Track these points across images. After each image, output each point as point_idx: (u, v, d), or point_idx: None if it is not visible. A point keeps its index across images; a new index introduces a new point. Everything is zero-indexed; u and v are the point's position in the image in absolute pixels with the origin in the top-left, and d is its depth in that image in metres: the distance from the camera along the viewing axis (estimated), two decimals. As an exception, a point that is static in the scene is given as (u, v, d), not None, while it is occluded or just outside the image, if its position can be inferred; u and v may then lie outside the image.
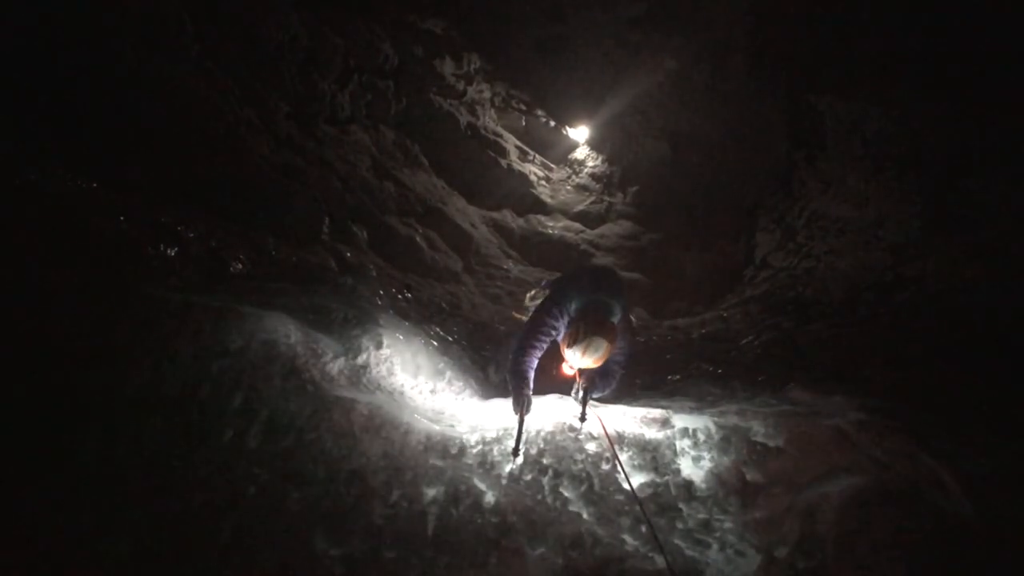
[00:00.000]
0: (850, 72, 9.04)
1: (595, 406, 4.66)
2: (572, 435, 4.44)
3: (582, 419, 4.43)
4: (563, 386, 4.96)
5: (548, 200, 12.53)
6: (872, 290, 7.24)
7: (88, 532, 3.11)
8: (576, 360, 4.25)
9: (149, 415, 3.72)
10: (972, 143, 7.41)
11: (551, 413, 4.67)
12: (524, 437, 4.10)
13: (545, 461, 4.24)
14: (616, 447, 4.27)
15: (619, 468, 4.05)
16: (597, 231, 12.02)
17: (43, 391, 3.58)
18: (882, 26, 8.59)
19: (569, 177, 13.54)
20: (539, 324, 4.45)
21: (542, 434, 4.43)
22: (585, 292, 4.49)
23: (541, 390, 4.74)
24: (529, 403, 4.29)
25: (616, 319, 4.46)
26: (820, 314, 7.26)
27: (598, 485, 4.06)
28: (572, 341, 4.20)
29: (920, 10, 8.03)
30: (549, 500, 3.95)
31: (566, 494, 4.02)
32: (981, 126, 7.39)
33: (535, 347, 4.43)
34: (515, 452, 4.00)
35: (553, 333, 4.47)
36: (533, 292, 5.75)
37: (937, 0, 7.91)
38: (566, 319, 4.45)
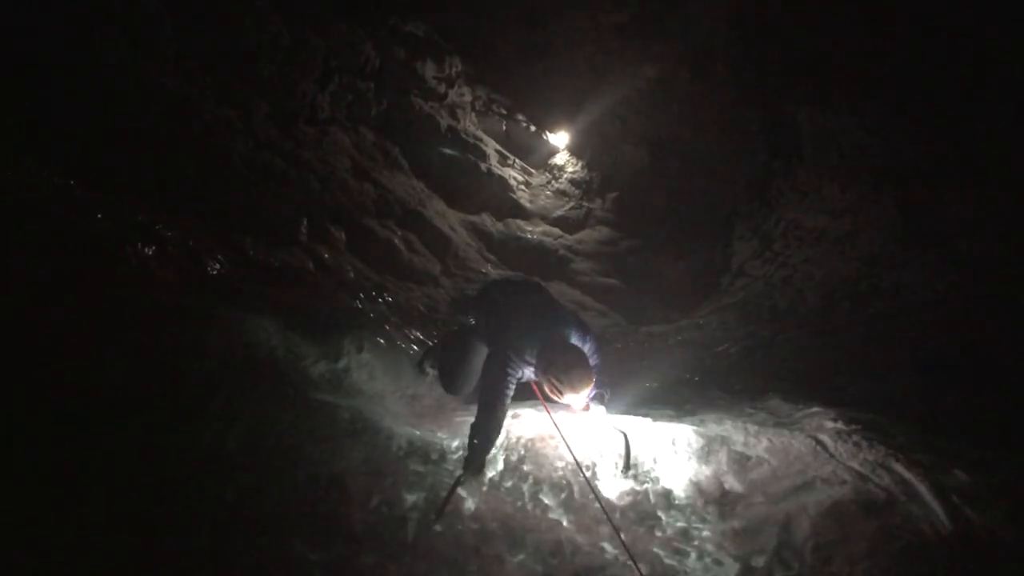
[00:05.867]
0: (828, 83, 9.16)
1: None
2: (552, 442, 4.44)
3: (626, 468, 4.29)
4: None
5: (527, 205, 12.52)
6: (848, 300, 7.32)
7: (61, 538, 3.05)
8: (572, 399, 4.00)
9: (126, 417, 3.66)
10: (947, 155, 7.53)
11: (531, 421, 4.67)
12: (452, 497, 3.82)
13: (525, 468, 4.24)
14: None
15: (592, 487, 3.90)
16: (575, 236, 12.03)
17: (14, 393, 3.51)
18: (859, 38, 8.71)
19: (548, 182, 13.54)
20: (499, 388, 4.11)
21: (522, 441, 4.43)
22: (533, 335, 4.16)
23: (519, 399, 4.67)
24: (480, 467, 4.06)
25: (578, 341, 4.22)
26: (796, 323, 7.32)
27: (578, 493, 4.06)
28: (555, 389, 3.97)
29: (897, 23, 8.15)
30: (529, 507, 3.95)
31: (546, 501, 4.02)
32: (956, 138, 7.51)
33: (504, 405, 4.16)
34: (439, 514, 3.71)
35: (514, 384, 4.19)
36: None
37: (913, 13, 8.03)
38: (526, 367, 4.16)
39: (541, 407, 4.62)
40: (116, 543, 3.08)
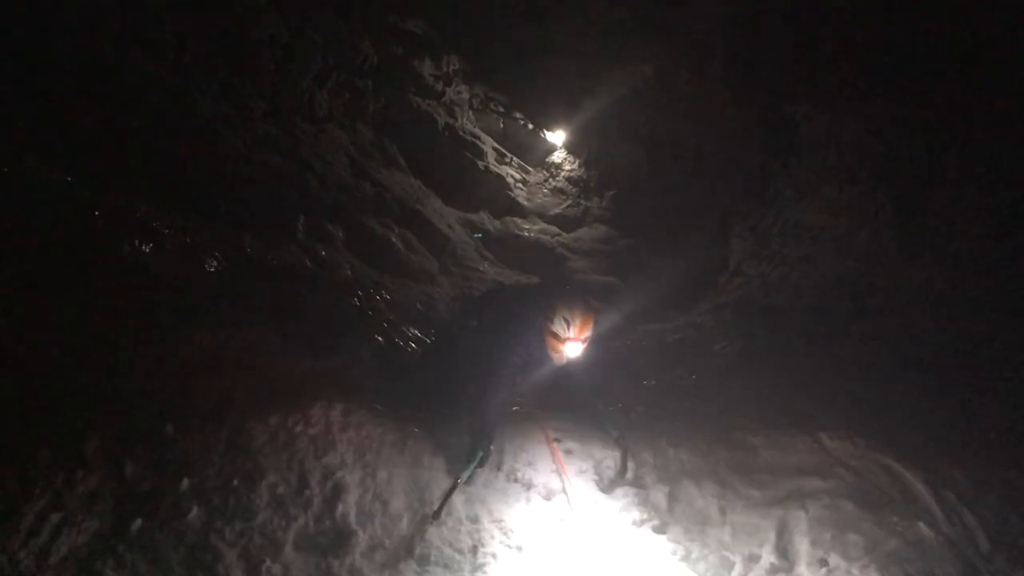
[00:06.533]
0: (827, 83, 9.14)
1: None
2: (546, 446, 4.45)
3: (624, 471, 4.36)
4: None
5: (525, 203, 12.51)
6: (845, 299, 7.30)
7: (59, 537, 3.04)
8: (565, 326, 4.04)
9: (120, 416, 3.64)
10: (945, 155, 7.52)
11: (525, 425, 4.67)
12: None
13: (524, 469, 4.25)
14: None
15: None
16: (573, 235, 12.03)
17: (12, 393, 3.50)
18: (859, 38, 8.70)
19: (546, 180, 13.53)
20: (503, 374, 4.27)
21: (521, 442, 4.43)
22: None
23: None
24: (480, 459, 4.08)
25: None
26: (793, 322, 7.30)
27: (576, 495, 4.06)
28: (549, 320, 4.08)
29: (897, 23, 8.14)
30: (528, 507, 3.94)
31: (545, 501, 4.01)
32: (954, 138, 7.50)
33: (504, 394, 4.30)
34: (436, 514, 3.65)
35: (517, 370, 4.33)
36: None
37: (913, 13, 8.02)
38: (534, 337, 4.28)
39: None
40: (109, 543, 3.07)
